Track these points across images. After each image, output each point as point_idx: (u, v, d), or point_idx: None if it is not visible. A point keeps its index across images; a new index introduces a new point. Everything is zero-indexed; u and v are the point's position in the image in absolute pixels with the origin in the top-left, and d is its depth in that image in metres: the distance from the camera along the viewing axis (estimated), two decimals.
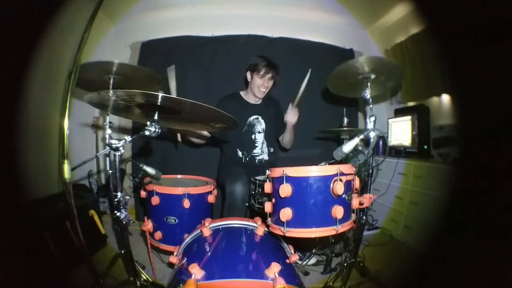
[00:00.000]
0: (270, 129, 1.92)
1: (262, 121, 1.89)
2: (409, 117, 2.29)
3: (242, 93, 1.94)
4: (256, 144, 1.88)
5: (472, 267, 0.85)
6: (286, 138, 1.95)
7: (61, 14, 1.27)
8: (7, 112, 1.01)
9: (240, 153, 1.87)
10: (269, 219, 1.06)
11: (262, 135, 1.90)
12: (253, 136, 1.88)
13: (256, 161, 1.88)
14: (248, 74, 1.85)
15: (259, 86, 1.79)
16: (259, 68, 1.76)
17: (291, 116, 1.81)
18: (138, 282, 1.27)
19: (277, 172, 0.98)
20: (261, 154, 1.89)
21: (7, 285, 0.82)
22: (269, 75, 1.77)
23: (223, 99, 1.89)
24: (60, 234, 1.31)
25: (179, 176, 1.94)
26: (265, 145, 1.91)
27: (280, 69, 1.85)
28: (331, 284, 1.39)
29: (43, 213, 1.40)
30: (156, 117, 1.07)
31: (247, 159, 1.87)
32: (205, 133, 1.82)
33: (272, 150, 1.93)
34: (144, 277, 1.37)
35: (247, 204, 1.56)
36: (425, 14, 1.29)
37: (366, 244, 1.96)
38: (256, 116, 1.88)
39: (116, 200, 1.13)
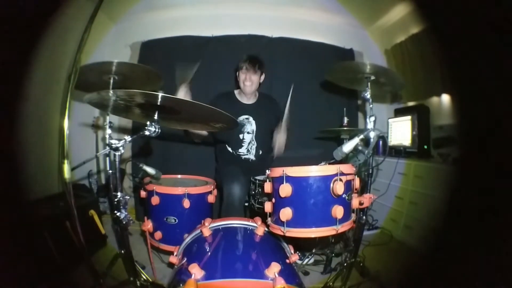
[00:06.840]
0: (261, 132, 1.87)
1: (253, 122, 1.86)
2: (409, 117, 2.29)
3: (236, 92, 1.94)
4: (242, 144, 1.86)
5: (471, 267, 0.85)
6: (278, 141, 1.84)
7: (61, 14, 1.28)
8: (8, 112, 1.01)
9: (229, 149, 1.88)
10: (269, 219, 1.06)
11: (251, 135, 1.87)
12: (241, 136, 1.85)
13: (242, 158, 1.87)
14: (236, 74, 1.88)
15: (243, 80, 1.81)
16: (240, 64, 1.80)
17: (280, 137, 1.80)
18: (138, 282, 1.27)
19: (277, 172, 0.98)
20: (246, 154, 1.87)
21: (7, 285, 0.82)
22: (251, 69, 1.78)
23: (216, 97, 1.90)
24: (60, 234, 1.31)
25: (179, 176, 1.93)
26: (253, 146, 1.87)
27: (280, 68, 1.85)
28: (331, 284, 1.39)
29: (43, 213, 1.40)
30: (156, 117, 1.07)
31: (235, 155, 1.88)
32: (204, 132, 1.82)
33: (260, 152, 1.89)
34: (144, 277, 1.37)
35: (246, 204, 1.56)
36: (425, 14, 1.29)
37: (366, 244, 1.96)
38: (246, 116, 1.86)
39: (116, 200, 1.13)
